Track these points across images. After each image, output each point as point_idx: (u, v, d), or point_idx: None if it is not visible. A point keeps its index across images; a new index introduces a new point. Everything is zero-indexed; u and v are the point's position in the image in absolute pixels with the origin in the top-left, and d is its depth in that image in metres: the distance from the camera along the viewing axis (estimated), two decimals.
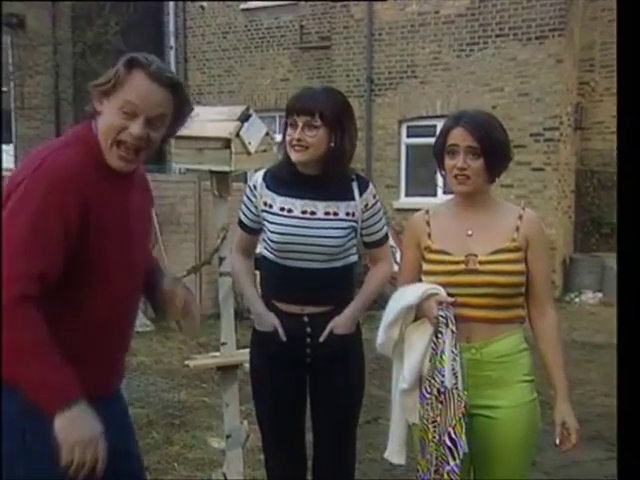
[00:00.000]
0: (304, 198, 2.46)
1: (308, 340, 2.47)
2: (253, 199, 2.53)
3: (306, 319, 2.46)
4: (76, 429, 1.68)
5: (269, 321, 2.48)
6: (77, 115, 13.40)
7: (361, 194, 2.49)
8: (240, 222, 2.61)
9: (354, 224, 2.47)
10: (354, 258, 2.54)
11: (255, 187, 2.52)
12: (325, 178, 2.45)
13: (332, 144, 2.42)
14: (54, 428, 1.68)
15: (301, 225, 2.44)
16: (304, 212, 2.45)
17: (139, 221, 1.98)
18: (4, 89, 13.47)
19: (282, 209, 2.46)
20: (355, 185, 2.49)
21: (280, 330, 2.46)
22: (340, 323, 2.45)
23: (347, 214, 2.46)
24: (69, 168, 1.74)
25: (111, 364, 1.98)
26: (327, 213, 2.45)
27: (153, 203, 2.14)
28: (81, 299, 1.81)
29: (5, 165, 12.11)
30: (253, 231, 2.59)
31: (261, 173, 2.56)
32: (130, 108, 1.78)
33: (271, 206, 2.48)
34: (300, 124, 2.39)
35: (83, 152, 1.80)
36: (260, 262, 2.58)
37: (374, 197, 2.52)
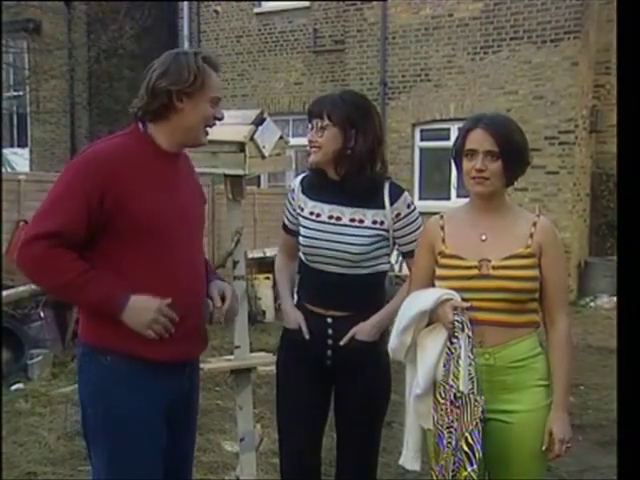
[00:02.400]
0: (332, 203, 2.49)
1: (330, 342, 2.48)
2: (292, 202, 2.61)
3: (330, 320, 2.48)
4: (142, 309, 2.07)
5: (294, 319, 2.53)
6: (92, 118, 13.51)
7: (392, 203, 2.48)
8: (283, 224, 2.70)
9: (383, 232, 2.47)
10: (384, 267, 2.54)
11: (293, 190, 2.61)
12: (347, 181, 2.46)
13: (347, 145, 2.44)
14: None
15: (327, 230, 2.47)
16: (330, 217, 2.48)
17: (192, 198, 2.29)
18: (20, 93, 13.59)
19: (311, 213, 2.52)
20: (387, 193, 2.48)
21: (304, 328, 2.49)
22: (364, 330, 2.46)
23: (374, 222, 2.46)
24: (95, 157, 2.10)
25: (184, 333, 2.18)
26: (352, 220, 2.47)
27: (201, 188, 2.42)
28: (140, 262, 2.11)
29: (20, 169, 12.20)
30: (293, 232, 2.64)
31: (300, 177, 2.63)
32: (217, 100, 2.23)
33: (303, 210, 2.55)
34: (314, 127, 2.46)
35: (119, 143, 2.16)
36: (299, 264, 2.65)
37: (408, 207, 2.50)
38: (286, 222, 2.67)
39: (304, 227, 2.51)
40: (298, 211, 2.56)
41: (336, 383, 2.51)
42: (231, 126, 3.04)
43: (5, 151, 12.55)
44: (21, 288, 6.18)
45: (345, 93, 2.56)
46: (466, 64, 10.37)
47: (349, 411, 2.52)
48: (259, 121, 3.04)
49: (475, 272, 2.23)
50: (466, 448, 2.07)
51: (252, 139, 2.99)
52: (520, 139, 2.26)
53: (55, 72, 12.31)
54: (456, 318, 2.14)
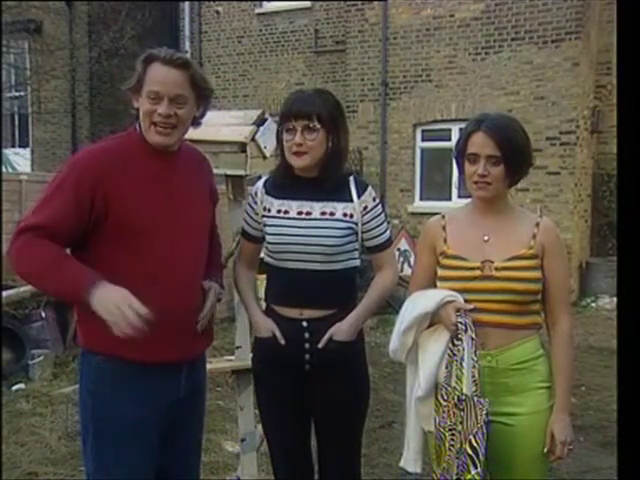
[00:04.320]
0: (300, 199, 2.45)
1: (307, 346, 2.43)
2: (254, 206, 2.54)
3: (305, 324, 2.43)
4: (108, 296, 2.01)
5: (267, 327, 2.47)
6: (93, 119, 13.51)
7: (359, 196, 2.46)
8: (243, 230, 2.62)
9: (353, 225, 2.45)
10: (355, 262, 2.51)
11: (256, 194, 2.54)
12: (323, 179, 2.44)
13: (330, 145, 2.42)
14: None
15: (297, 225, 2.43)
16: (300, 212, 2.44)
17: (190, 197, 2.27)
18: (21, 93, 13.60)
19: (279, 211, 2.47)
20: (353, 187, 2.47)
21: (278, 334, 2.43)
22: (341, 330, 2.41)
23: (344, 215, 2.44)
24: (88, 157, 2.19)
25: (171, 334, 2.17)
26: (323, 213, 2.43)
27: (214, 190, 2.46)
28: (121, 259, 2.13)
29: (22, 169, 12.21)
30: (255, 239, 2.58)
31: (262, 180, 2.57)
32: (155, 95, 2.15)
33: (269, 210, 2.49)
34: (299, 128, 2.38)
35: (114, 144, 2.23)
36: (264, 267, 2.58)
37: (374, 200, 2.49)
38: (246, 228, 2.59)
39: (272, 226, 2.46)
40: (263, 213, 2.50)
41: (315, 385, 2.46)
42: (232, 126, 3.05)
43: (6, 151, 12.56)
44: (22, 288, 6.18)
45: (322, 93, 2.49)
46: (467, 64, 10.37)
47: (330, 412, 2.48)
48: (260, 122, 3.05)
49: (478, 273, 2.22)
50: (470, 451, 2.06)
51: (253, 139, 3.00)
52: (522, 141, 2.24)
53: (56, 72, 12.32)
54: (459, 320, 2.14)
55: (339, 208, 2.44)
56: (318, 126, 2.38)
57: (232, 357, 3.25)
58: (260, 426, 3.25)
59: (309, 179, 2.45)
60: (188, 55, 13.32)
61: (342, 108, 2.52)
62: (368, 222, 2.48)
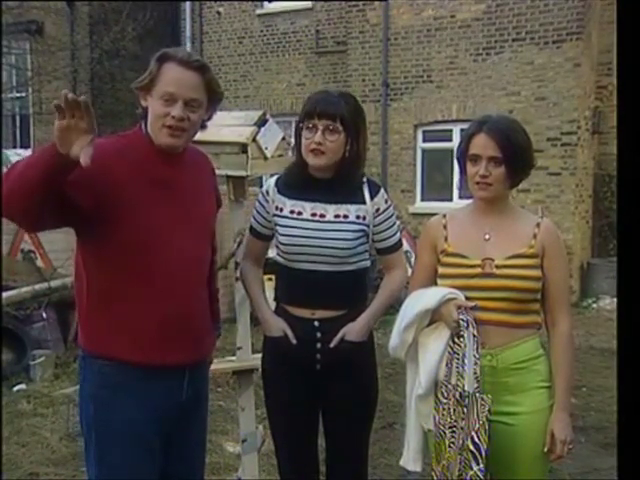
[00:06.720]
0: (314, 201, 2.45)
1: (318, 345, 2.44)
2: (265, 204, 2.53)
3: (317, 324, 2.44)
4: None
5: (277, 326, 2.47)
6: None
7: (372, 198, 2.47)
8: (251, 228, 2.61)
9: (365, 228, 2.46)
10: (366, 263, 2.52)
11: (267, 192, 2.53)
12: (337, 182, 2.44)
13: (348, 148, 2.42)
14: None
15: (310, 227, 2.43)
16: (314, 215, 2.44)
17: (192, 199, 2.23)
18: (23, 94, 13.62)
19: (292, 212, 2.46)
20: (366, 189, 2.48)
21: (289, 333, 2.44)
22: (353, 330, 2.42)
23: (358, 217, 2.44)
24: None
25: (172, 337, 2.15)
26: (337, 216, 2.44)
27: (218, 192, 2.41)
28: (124, 262, 2.09)
29: None
30: (263, 237, 2.58)
31: (274, 178, 2.57)
32: (169, 96, 2.08)
33: (282, 210, 2.48)
34: (320, 128, 2.38)
35: (118, 140, 2.16)
36: (273, 267, 2.58)
37: (386, 202, 2.50)
38: (255, 226, 2.58)
39: (284, 226, 2.46)
40: (275, 212, 2.49)
41: (325, 384, 2.47)
42: (233, 127, 3.05)
43: (8, 152, 12.56)
44: (23, 289, 6.19)
45: (346, 96, 2.49)
46: (468, 65, 10.36)
47: (339, 412, 2.49)
48: (261, 122, 3.06)
49: (478, 271, 2.24)
50: (472, 447, 2.07)
51: (254, 140, 3.01)
52: (524, 143, 2.25)
53: (57, 73, 12.31)
54: (461, 317, 2.14)
55: (352, 210, 2.45)
56: (340, 128, 2.38)
57: (233, 358, 3.25)
58: (261, 427, 3.27)
59: (323, 180, 2.45)
60: None
61: (364, 114, 2.50)
62: (380, 224, 2.49)
